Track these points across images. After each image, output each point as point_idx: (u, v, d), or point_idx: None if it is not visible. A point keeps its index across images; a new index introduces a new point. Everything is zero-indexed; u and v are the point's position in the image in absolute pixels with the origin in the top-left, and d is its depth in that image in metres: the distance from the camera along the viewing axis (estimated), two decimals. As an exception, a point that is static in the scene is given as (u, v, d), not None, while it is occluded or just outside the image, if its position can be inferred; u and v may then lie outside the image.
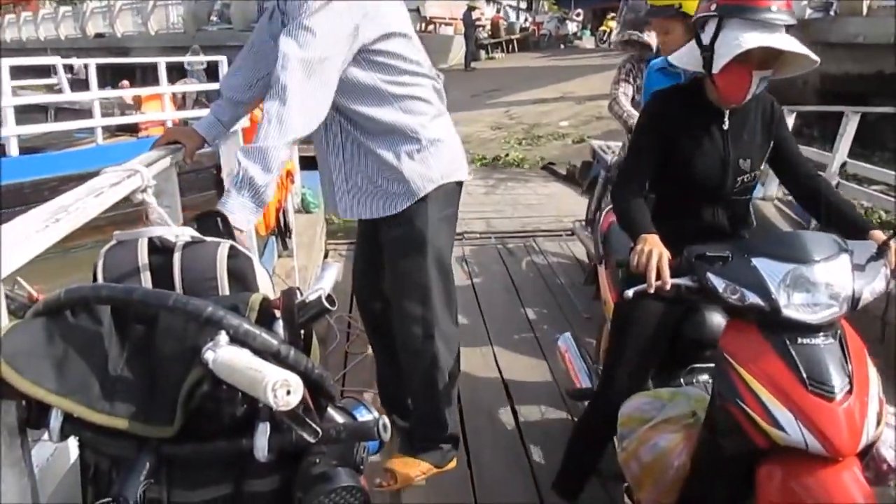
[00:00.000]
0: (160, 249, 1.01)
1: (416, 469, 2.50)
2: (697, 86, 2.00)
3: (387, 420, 0.86)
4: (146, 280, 0.98)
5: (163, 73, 9.19)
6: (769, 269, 1.54)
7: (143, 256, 0.99)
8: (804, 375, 1.43)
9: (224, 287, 0.97)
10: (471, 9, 19.38)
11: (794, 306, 1.49)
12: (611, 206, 2.66)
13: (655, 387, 2.12)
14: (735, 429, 1.51)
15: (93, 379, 0.89)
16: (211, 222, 1.13)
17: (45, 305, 0.91)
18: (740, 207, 2.10)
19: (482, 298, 4.63)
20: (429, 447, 2.54)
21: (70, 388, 0.87)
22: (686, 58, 1.97)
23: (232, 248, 1.01)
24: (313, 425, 0.83)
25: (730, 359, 1.54)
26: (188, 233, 1.02)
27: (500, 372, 3.60)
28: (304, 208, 5.29)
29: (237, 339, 0.83)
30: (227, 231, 1.10)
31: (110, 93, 10.01)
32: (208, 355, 0.78)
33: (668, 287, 1.62)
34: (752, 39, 1.73)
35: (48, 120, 8.78)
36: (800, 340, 1.48)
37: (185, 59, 10.78)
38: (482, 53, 20.16)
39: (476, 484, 2.66)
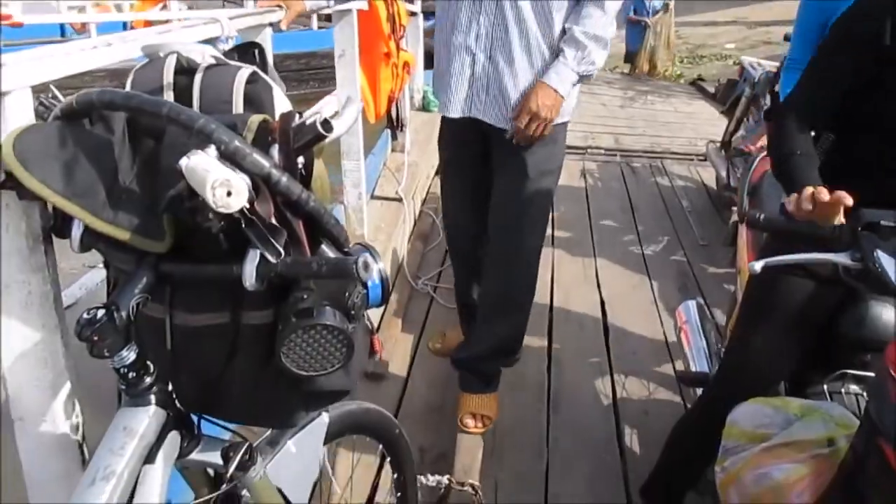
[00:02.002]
0: (186, 70, 0.97)
1: (496, 403, 2.37)
2: None
3: (370, 259, 0.80)
4: (169, 98, 0.95)
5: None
6: None
7: (168, 75, 0.96)
8: None
9: (238, 110, 0.92)
10: None
11: None
12: (765, 153, 2.09)
13: (789, 391, 1.63)
14: (889, 478, 1.02)
15: (100, 186, 0.88)
16: (249, 55, 1.08)
17: (60, 111, 0.90)
18: None
19: (594, 212, 4.47)
20: (498, 378, 2.39)
21: (75, 191, 0.87)
22: None
23: (253, 73, 0.95)
24: (276, 245, 0.79)
25: None
26: (214, 54, 0.98)
27: (599, 285, 3.48)
28: (425, 107, 5.23)
29: (227, 156, 0.79)
30: (263, 63, 1.05)
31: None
32: (182, 161, 0.74)
33: (830, 221, 1.14)
34: None
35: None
36: None
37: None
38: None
39: (552, 391, 2.62)
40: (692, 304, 2.43)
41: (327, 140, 0.83)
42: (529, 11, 1.93)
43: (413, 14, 4.62)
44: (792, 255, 1.19)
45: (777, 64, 4.58)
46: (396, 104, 3.95)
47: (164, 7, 8.59)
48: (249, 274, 0.83)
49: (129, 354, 0.91)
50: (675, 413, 2.44)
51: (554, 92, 1.93)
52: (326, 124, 0.81)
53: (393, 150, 4.39)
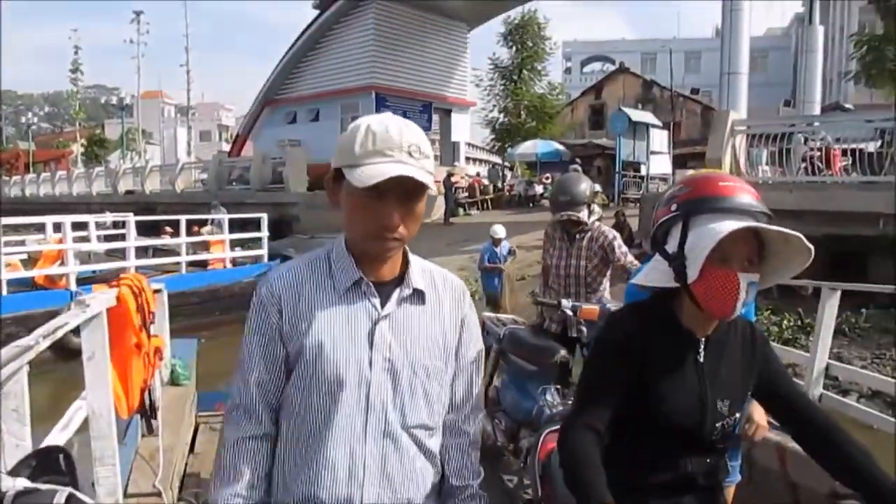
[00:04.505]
0: (-13, 501, 0.94)
1: None
2: (665, 306, 1.64)
3: None
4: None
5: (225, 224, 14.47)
6: None
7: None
8: None
9: (56, 550, 0.90)
10: (450, 175, 23.07)
11: None
12: (551, 430, 2.32)
13: None
14: None
15: None
16: (52, 458, 1.06)
17: None
18: (719, 454, 1.70)
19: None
20: None
21: None
22: (652, 275, 1.63)
23: (70, 497, 0.95)
24: None
25: None
26: (21, 483, 0.96)
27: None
28: (174, 380, 5.03)
29: None
30: (69, 469, 1.04)
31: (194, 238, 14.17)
32: None
33: None
34: (728, 225, 1.44)
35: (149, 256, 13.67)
36: None
37: (224, 215, 14.95)
38: (460, 210, 23.20)
39: None
40: None
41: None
42: (416, 448, 1.51)
43: (157, 291, 4.59)
44: None
45: (514, 317, 5.18)
46: (149, 391, 3.80)
47: (62, 263, 9.97)
48: None
49: None
50: None
51: None
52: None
53: (143, 435, 4.12)
